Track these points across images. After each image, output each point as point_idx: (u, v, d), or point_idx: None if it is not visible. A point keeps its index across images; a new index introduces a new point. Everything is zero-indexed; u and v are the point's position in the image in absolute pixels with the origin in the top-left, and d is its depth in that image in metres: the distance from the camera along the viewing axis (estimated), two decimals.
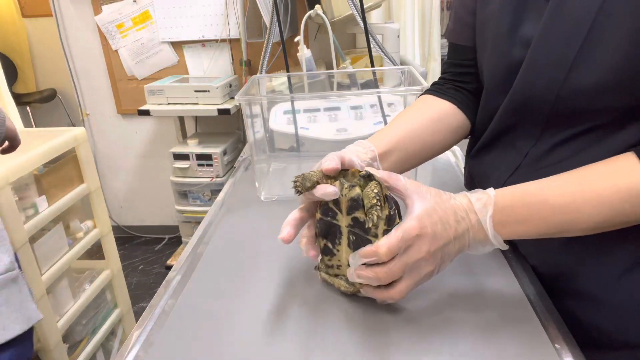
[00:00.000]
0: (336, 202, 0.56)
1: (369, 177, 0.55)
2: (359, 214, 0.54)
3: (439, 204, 0.54)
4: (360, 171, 0.57)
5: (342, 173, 0.59)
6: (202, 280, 0.70)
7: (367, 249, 0.53)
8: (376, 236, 0.54)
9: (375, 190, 0.53)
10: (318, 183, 0.56)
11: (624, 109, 0.56)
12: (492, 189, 0.56)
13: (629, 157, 0.52)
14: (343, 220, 0.56)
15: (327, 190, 0.55)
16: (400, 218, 0.56)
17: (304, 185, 0.56)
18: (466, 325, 0.57)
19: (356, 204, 0.54)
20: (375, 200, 0.52)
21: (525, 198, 0.54)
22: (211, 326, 0.60)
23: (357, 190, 0.54)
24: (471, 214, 0.55)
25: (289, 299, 0.64)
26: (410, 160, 0.73)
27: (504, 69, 0.65)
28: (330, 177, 0.58)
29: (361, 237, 0.55)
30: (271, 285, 0.67)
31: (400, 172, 0.72)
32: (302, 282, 0.67)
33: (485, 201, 0.55)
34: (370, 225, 0.53)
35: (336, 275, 0.62)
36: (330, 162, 0.57)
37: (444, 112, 0.76)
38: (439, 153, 0.77)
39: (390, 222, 0.54)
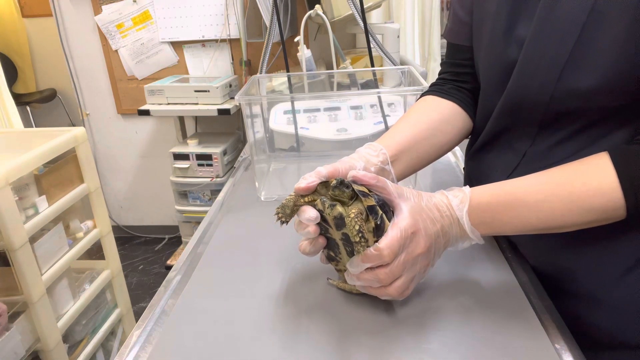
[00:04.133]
0: (324, 218, 0.56)
1: (341, 184, 0.54)
2: (346, 230, 0.54)
3: (423, 203, 0.57)
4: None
5: (324, 184, 0.58)
6: (202, 280, 0.70)
7: (369, 252, 0.53)
8: (363, 247, 0.54)
9: (357, 227, 0.52)
10: (297, 205, 0.57)
11: (620, 108, 0.56)
12: (467, 186, 0.58)
13: (602, 157, 0.53)
14: (335, 234, 0.56)
15: (307, 216, 0.55)
16: (389, 216, 0.55)
17: (285, 214, 0.57)
18: (466, 325, 0.57)
19: (341, 222, 0.54)
20: (358, 238, 0.52)
21: (500, 196, 0.56)
22: (211, 326, 0.60)
23: (338, 209, 0.54)
24: (452, 210, 0.57)
25: (289, 299, 0.64)
26: (420, 162, 0.74)
27: (500, 69, 0.65)
28: (309, 194, 0.58)
29: None
30: (271, 285, 0.67)
31: (410, 174, 0.74)
32: (302, 282, 0.67)
33: (461, 198, 0.57)
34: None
35: (345, 281, 0.63)
36: (303, 181, 0.57)
37: (449, 113, 0.76)
38: (445, 153, 0.77)
39: (379, 232, 0.54)
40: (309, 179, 0.57)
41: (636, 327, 0.58)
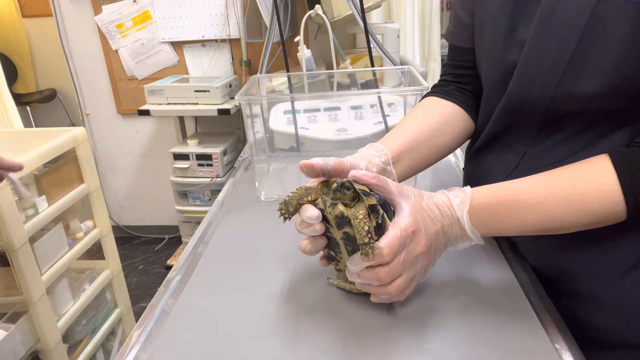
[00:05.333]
0: (325, 217, 0.56)
1: (342, 187, 0.53)
2: (348, 229, 0.54)
3: (424, 202, 0.57)
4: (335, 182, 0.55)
5: (325, 184, 0.58)
6: (202, 280, 0.70)
7: None
8: (372, 248, 0.54)
9: (366, 228, 0.52)
10: (300, 204, 0.57)
11: (620, 110, 0.56)
12: (468, 187, 0.58)
13: (602, 159, 0.53)
14: (336, 234, 0.56)
15: (309, 215, 0.55)
16: (390, 216, 0.55)
17: (288, 211, 0.58)
18: (466, 325, 0.57)
19: (342, 220, 0.54)
20: (367, 239, 0.52)
21: (500, 197, 0.56)
22: (211, 326, 0.60)
23: (340, 208, 0.54)
24: (452, 210, 0.57)
25: (289, 299, 0.64)
26: (421, 163, 0.74)
27: (501, 72, 0.65)
28: (310, 194, 0.58)
29: (357, 248, 0.55)
30: (271, 285, 0.67)
31: (412, 175, 0.74)
32: (302, 282, 0.67)
33: (462, 198, 0.57)
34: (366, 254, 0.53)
35: (346, 280, 0.63)
36: (307, 160, 0.57)
37: (451, 114, 0.76)
38: (447, 155, 0.77)
39: (381, 231, 0.54)
40: (316, 160, 0.57)
41: (636, 327, 0.58)
